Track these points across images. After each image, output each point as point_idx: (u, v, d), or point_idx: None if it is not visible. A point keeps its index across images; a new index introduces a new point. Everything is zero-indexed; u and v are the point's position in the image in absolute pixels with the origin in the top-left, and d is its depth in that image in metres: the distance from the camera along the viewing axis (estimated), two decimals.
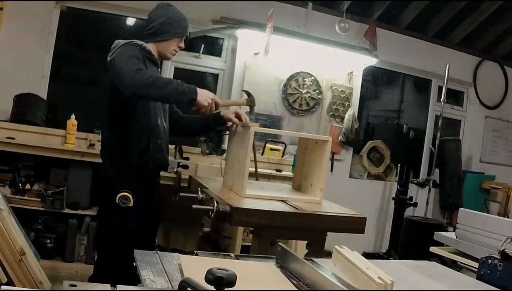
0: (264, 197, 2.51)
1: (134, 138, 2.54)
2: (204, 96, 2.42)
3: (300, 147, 2.91)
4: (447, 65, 5.47)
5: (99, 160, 2.76)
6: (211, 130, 3.00)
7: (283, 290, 1.49)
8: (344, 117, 5.50)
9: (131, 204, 2.48)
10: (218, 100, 2.51)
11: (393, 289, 1.42)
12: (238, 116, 2.73)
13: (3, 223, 3.02)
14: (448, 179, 6.04)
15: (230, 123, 2.81)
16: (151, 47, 2.59)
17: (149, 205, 2.67)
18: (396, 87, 6.39)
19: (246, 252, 2.52)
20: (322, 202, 2.58)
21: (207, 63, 5.18)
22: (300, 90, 5.32)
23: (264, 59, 5.10)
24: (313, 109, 5.43)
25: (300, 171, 2.87)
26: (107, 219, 2.59)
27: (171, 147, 4.42)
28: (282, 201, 2.52)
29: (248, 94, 2.80)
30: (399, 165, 5.62)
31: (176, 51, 2.71)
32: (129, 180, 2.51)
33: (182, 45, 2.72)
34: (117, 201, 2.46)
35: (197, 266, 1.56)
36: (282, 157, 4.59)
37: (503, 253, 1.77)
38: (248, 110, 2.93)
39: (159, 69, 2.71)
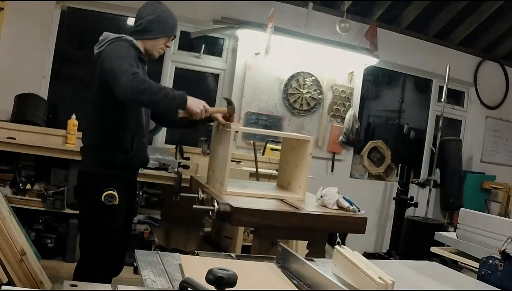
0: (245, 194, 2.56)
1: (120, 135, 2.55)
2: (195, 103, 2.46)
3: (284, 145, 2.98)
4: (448, 65, 5.47)
5: None
6: (197, 124, 3.05)
7: (283, 290, 1.49)
8: (344, 117, 5.50)
9: (116, 202, 2.49)
10: (208, 108, 2.55)
11: (394, 289, 1.42)
12: (225, 116, 2.74)
13: (3, 223, 3.02)
14: (448, 179, 6.04)
15: (213, 122, 2.83)
16: (138, 44, 2.58)
17: (129, 202, 2.70)
18: (396, 87, 6.39)
19: (246, 252, 2.52)
20: (305, 199, 2.62)
21: (207, 63, 5.18)
22: (301, 90, 5.32)
23: (264, 59, 5.10)
24: (314, 109, 5.43)
25: (284, 169, 2.92)
26: (92, 217, 2.57)
27: (172, 147, 4.44)
28: (264, 197, 2.57)
29: (229, 102, 2.82)
30: (399, 165, 5.62)
31: (163, 50, 2.71)
32: (113, 177, 2.52)
33: (170, 44, 2.71)
34: (103, 199, 2.46)
35: (197, 266, 1.56)
36: None
37: (503, 253, 1.77)
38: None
39: (146, 67, 2.71)
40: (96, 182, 2.50)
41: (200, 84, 5.34)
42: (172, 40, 2.72)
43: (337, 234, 3.19)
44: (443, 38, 6.10)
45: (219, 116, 2.73)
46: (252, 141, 4.22)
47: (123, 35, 2.55)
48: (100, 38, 2.57)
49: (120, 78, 2.27)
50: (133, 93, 2.28)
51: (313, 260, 1.78)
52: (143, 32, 2.59)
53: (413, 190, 5.75)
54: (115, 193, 2.48)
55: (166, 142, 5.01)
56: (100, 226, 2.56)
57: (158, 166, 4.04)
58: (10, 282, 2.95)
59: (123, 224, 2.66)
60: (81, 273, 2.58)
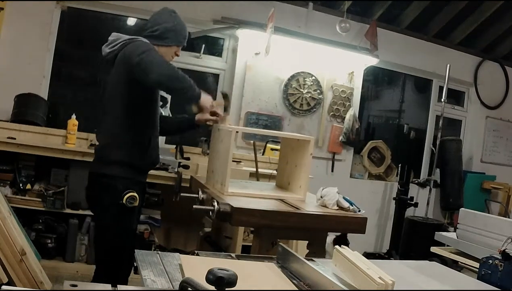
0: (247, 194, 2.55)
1: (138, 135, 2.56)
2: (207, 99, 2.57)
3: (283, 146, 2.97)
4: (448, 65, 5.47)
5: None
6: (184, 132, 3.12)
7: (283, 290, 1.49)
8: (345, 117, 5.50)
9: (137, 204, 2.49)
10: (214, 104, 2.66)
11: (394, 289, 1.42)
12: (213, 113, 2.76)
13: (3, 223, 3.02)
14: (448, 179, 6.04)
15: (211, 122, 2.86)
16: None
17: (142, 202, 2.71)
18: (396, 87, 6.39)
19: (247, 252, 2.52)
20: (305, 199, 2.62)
21: (207, 63, 5.17)
22: (301, 90, 5.32)
23: (264, 59, 5.10)
24: (314, 109, 5.43)
25: (283, 170, 2.92)
26: (110, 220, 2.54)
27: (172, 147, 4.44)
28: (265, 198, 2.56)
29: (224, 95, 2.94)
30: (400, 165, 5.62)
31: (173, 58, 2.75)
32: (129, 178, 2.51)
33: (179, 53, 2.77)
34: (124, 201, 2.44)
35: (198, 266, 1.56)
36: None
37: (503, 253, 1.77)
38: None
39: None
40: (113, 184, 2.48)
41: (200, 84, 5.32)
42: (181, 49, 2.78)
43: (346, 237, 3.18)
44: (443, 38, 6.10)
45: (208, 116, 2.77)
46: (252, 141, 4.22)
47: (138, 37, 2.56)
48: (110, 38, 2.59)
49: (154, 65, 2.32)
50: (168, 79, 2.35)
51: (313, 260, 1.78)
52: (159, 38, 2.62)
53: (413, 190, 5.75)
54: (136, 194, 2.48)
55: (166, 142, 5.00)
56: (119, 228, 2.52)
57: (158, 166, 4.04)
58: (10, 282, 2.96)
59: (136, 225, 2.70)
60: (100, 272, 2.56)
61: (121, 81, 2.51)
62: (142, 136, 2.57)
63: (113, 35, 2.58)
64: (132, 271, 2.70)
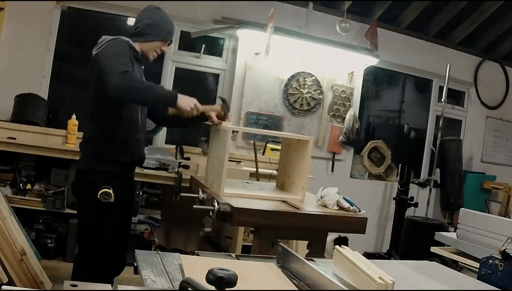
0: (243, 195, 2.54)
1: (113, 129, 2.60)
2: (186, 101, 2.54)
3: (283, 146, 2.97)
4: (448, 65, 5.47)
5: None
6: (192, 124, 3.10)
7: (283, 290, 1.49)
8: (345, 117, 5.50)
9: (112, 200, 2.51)
10: (199, 106, 2.62)
11: (394, 289, 1.42)
12: (219, 115, 2.79)
13: (4, 223, 3.02)
14: (449, 179, 6.04)
15: (207, 121, 2.87)
16: (135, 46, 2.66)
17: (125, 200, 2.71)
18: (397, 87, 6.39)
19: (247, 252, 2.52)
20: (304, 200, 2.61)
21: (208, 63, 5.17)
22: (301, 90, 5.32)
23: (264, 59, 5.10)
24: (314, 109, 5.43)
25: (283, 170, 2.92)
26: (87, 214, 2.62)
27: (172, 147, 4.44)
28: (264, 199, 2.55)
29: (223, 100, 2.90)
30: (400, 165, 5.62)
31: (158, 54, 2.78)
32: (108, 174, 2.55)
33: (165, 48, 2.79)
34: (98, 196, 2.48)
35: (198, 266, 1.56)
36: None
37: (504, 253, 1.77)
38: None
39: (143, 67, 2.78)
40: (92, 179, 2.54)
41: (200, 84, 5.34)
42: (168, 45, 2.80)
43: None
44: (443, 38, 6.10)
45: (213, 114, 2.77)
46: (252, 141, 4.22)
47: (120, 36, 2.61)
48: (99, 41, 2.64)
49: (110, 77, 2.36)
50: (121, 91, 2.37)
51: (313, 260, 1.78)
52: (140, 35, 2.68)
53: (413, 190, 5.75)
54: (111, 191, 2.50)
55: (166, 142, 5.01)
56: (95, 222, 2.58)
57: (158, 166, 4.04)
58: (10, 282, 2.96)
59: (119, 222, 2.67)
60: (78, 268, 2.62)
61: (94, 79, 2.59)
62: (117, 131, 2.60)
63: (101, 38, 2.63)
64: (132, 271, 2.69)
